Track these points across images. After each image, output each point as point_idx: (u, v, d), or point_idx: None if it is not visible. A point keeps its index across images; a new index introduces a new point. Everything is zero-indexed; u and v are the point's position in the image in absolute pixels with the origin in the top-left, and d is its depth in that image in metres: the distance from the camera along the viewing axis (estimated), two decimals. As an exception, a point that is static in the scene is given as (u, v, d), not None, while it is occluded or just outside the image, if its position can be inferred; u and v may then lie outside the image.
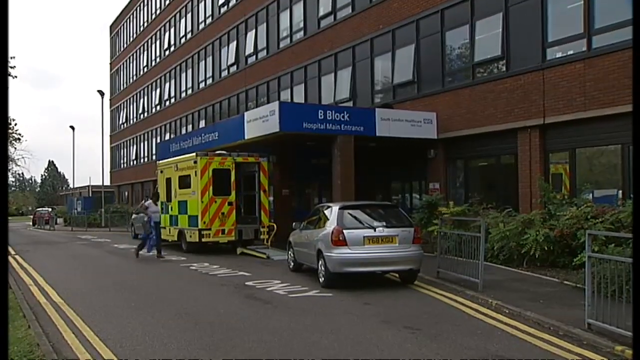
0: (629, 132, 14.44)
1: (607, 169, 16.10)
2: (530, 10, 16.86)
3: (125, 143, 58.60)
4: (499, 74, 17.97)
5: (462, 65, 19.79)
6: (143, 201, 22.70)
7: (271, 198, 23.90)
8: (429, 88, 20.58)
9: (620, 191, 14.82)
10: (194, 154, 21.12)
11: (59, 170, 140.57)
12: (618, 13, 14.60)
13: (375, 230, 12.26)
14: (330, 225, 12.50)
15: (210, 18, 38.93)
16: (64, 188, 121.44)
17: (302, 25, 28.10)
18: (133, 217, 31.55)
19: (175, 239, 22.26)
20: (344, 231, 12.17)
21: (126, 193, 58.76)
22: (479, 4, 18.61)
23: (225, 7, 36.42)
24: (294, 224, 15.87)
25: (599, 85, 14.90)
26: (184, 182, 21.55)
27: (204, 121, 39.23)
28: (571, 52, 15.83)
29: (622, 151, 14.84)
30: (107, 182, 55.36)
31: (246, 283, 13.31)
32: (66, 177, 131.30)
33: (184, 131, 41.29)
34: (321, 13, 26.41)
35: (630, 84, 14.16)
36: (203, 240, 20.33)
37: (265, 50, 31.58)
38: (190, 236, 20.87)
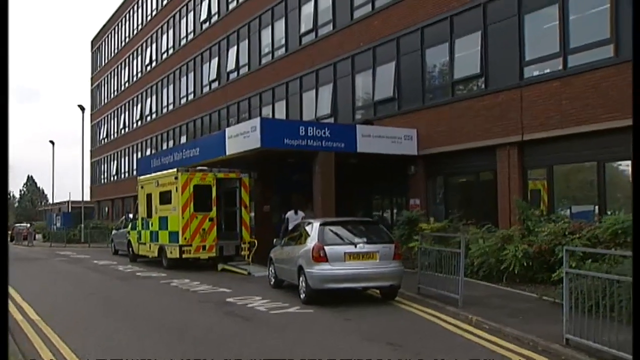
0: (604, 149, 14.79)
1: (583, 186, 16.35)
2: (508, 29, 17.14)
3: (105, 158, 58.26)
4: (478, 92, 18.21)
5: (442, 82, 20.03)
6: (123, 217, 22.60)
7: (252, 214, 23.87)
8: (410, 105, 20.77)
9: (597, 207, 15.04)
10: (175, 169, 21.08)
11: (38, 185, 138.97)
12: (591, 34, 14.95)
13: (356, 247, 12.32)
14: (311, 242, 12.53)
15: (192, 34, 39.01)
16: (43, 203, 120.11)
17: (283, 42, 28.27)
18: (113, 232, 31.33)
19: (156, 255, 22.14)
20: (325, 247, 12.20)
21: (106, 209, 58.30)
22: (458, 22, 18.88)
23: (207, 23, 36.54)
24: (275, 240, 15.89)
25: (575, 103, 15.16)
26: (165, 198, 21.47)
27: (185, 137, 39.17)
28: (548, 70, 16.10)
29: (597, 168, 15.09)
30: (87, 198, 54.91)
31: (227, 299, 13.27)
32: (45, 192, 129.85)
33: (165, 147, 41.18)
34: (302, 30, 26.60)
35: (605, 103, 14.50)
36: (184, 256, 20.24)
37: (246, 67, 31.69)
38: (171, 252, 20.77)
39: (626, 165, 14.49)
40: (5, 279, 4.88)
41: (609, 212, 14.23)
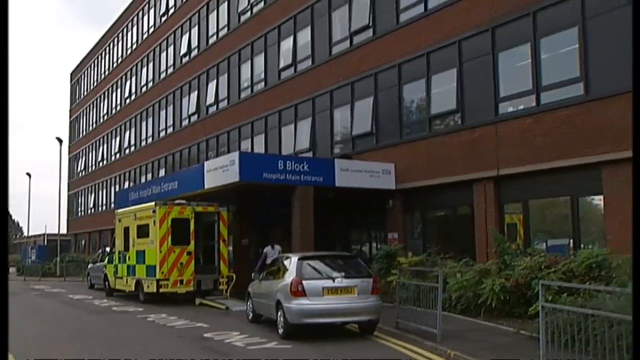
0: (577, 184, 15.09)
1: (558, 220, 16.60)
2: (482, 66, 17.53)
3: (83, 191, 57.76)
4: (455, 127, 18.51)
5: (419, 117, 20.33)
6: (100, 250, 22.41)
7: (230, 248, 23.80)
8: (387, 139, 21.02)
9: (572, 240, 15.28)
10: (153, 203, 21.01)
11: (14, 218, 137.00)
12: (562, 72, 15.38)
13: (334, 281, 12.34)
14: (289, 276, 12.53)
15: (171, 68, 39.21)
16: (18, 236, 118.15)
17: (263, 76, 28.54)
18: (89, 266, 30.94)
19: (133, 289, 21.90)
20: (303, 282, 12.21)
21: (83, 242, 57.58)
22: (434, 59, 19.26)
23: (187, 57, 36.79)
24: (253, 274, 15.85)
25: (547, 139, 15.49)
26: (143, 231, 21.35)
27: (164, 170, 39.09)
28: (522, 107, 16.47)
29: (571, 202, 15.38)
30: (63, 231, 54.23)
31: (204, 335, 13.17)
32: (21, 225, 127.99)
33: (143, 180, 41.01)
34: (282, 65, 26.91)
35: (575, 139, 14.83)
36: (161, 290, 20.06)
37: (226, 100, 31.88)
38: (148, 286, 20.58)
39: (599, 200, 14.77)
40: (5, 280, 4.83)
41: (582, 246, 14.48)
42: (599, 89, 14.51)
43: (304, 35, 25.54)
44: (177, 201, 21.18)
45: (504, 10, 16.92)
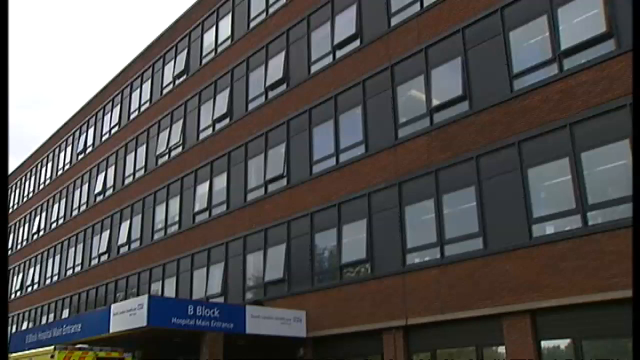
0: (481, 334, 15.57)
1: (465, 370, 16.87)
2: (391, 218, 18.37)
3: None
4: (365, 276, 18.94)
5: (330, 265, 20.71)
6: None
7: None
8: (299, 287, 21.16)
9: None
10: (52, 347, 19.85)
11: None
12: (464, 227, 16.34)
13: None
14: None
15: (84, 205, 38.64)
16: None
17: (177, 218, 28.57)
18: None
19: None
20: None
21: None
22: (345, 210, 20.03)
23: (101, 196, 36.47)
24: None
25: (452, 290, 16.12)
26: (38, 379, 19.98)
27: (67, 310, 37.27)
28: (427, 258, 17.19)
29: (477, 352, 15.75)
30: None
31: None
32: None
33: (44, 320, 38.85)
34: (197, 209, 27.14)
35: (477, 291, 15.47)
36: None
37: (138, 241, 31.44)
38: None
39: (502, 349, 15.22)
40: (5, 281, 4.47)
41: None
42: (496, 244, 15.47)
43: (220, 181, 26.11)
44: (78, 345, 20.11)
45: (410, 168, 18.11)
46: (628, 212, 13.11)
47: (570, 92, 14.74)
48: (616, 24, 14.20)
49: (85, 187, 39.21)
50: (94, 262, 35.72)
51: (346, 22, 21.56)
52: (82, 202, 39.18)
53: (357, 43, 21.04)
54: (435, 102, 18.03)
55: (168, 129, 30.73)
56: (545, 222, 14.77)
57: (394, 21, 19.90)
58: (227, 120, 26.61)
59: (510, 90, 16.09)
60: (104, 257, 34.63)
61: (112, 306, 20.90)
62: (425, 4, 18.99)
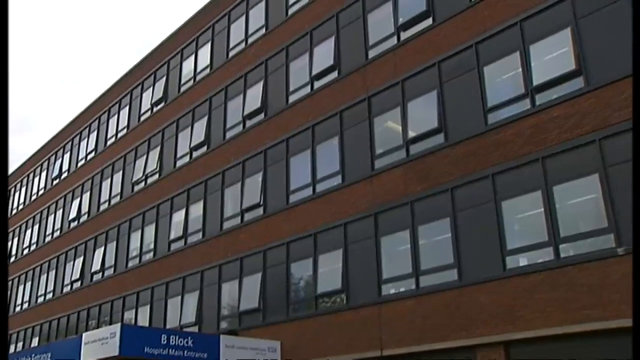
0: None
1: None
2: (366, 249, 18.42)
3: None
4: (340, 306, 18.92)
5: (306, 295, 20.65)
6: None
7: None
8: (275, 316, 21.05)
9: None
10: (19, 379, 19.51)
11: None
12: (439, 258, 16.48)
13: None
14: None
15: (58, 231, 38.18)
16: None
17: (152, 246, 28.35)
18: None
19: None
20: None
21: None
22: (321, 240, 20.07)
23: (76, 222, 36.07)
24: None
25: (427, 321, 16.18)
26: (5, 412, 19.52)
27: (37, 339, 36.53)
28: (403, 289, 17.25)
29: (453, 384, 15.80)
30: None
31: None
32: None
33: (13, 349, 38.01)
34: (172, 236, 26.97)
35: (452, 322, 15.52)
36: None
37: (112, 269, 31.07)
38: None
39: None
40: (5, 281, 4.37)
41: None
42: (470, 275, 15.61)
43: (197, 209, 26.02)
44: (47, 377, 19.77)
45: (386, 199, 18.26)
46: (597, 245, 13.43)
47: (543, 127, 15.07)
48: (585, 62, 14.63)
49: (59, 213, 38.76)
50: (67, 289, 35.18)
51: (324, 54, 21.86)
52: (55, 227, 38.70)
53: (335, 74, 21.32)
54: (411, 133, 18.28)
55: (145, 156, 30.65)
56: (519, 254, 14.96)
57: (372, 54, 20.22)
58: (204, 149, 26.65)
59: (484, 124, 16.40)
60: (77, 285, 34.13)
61: (84, 335, 20.53)
62: (402, 38, 19.38)
